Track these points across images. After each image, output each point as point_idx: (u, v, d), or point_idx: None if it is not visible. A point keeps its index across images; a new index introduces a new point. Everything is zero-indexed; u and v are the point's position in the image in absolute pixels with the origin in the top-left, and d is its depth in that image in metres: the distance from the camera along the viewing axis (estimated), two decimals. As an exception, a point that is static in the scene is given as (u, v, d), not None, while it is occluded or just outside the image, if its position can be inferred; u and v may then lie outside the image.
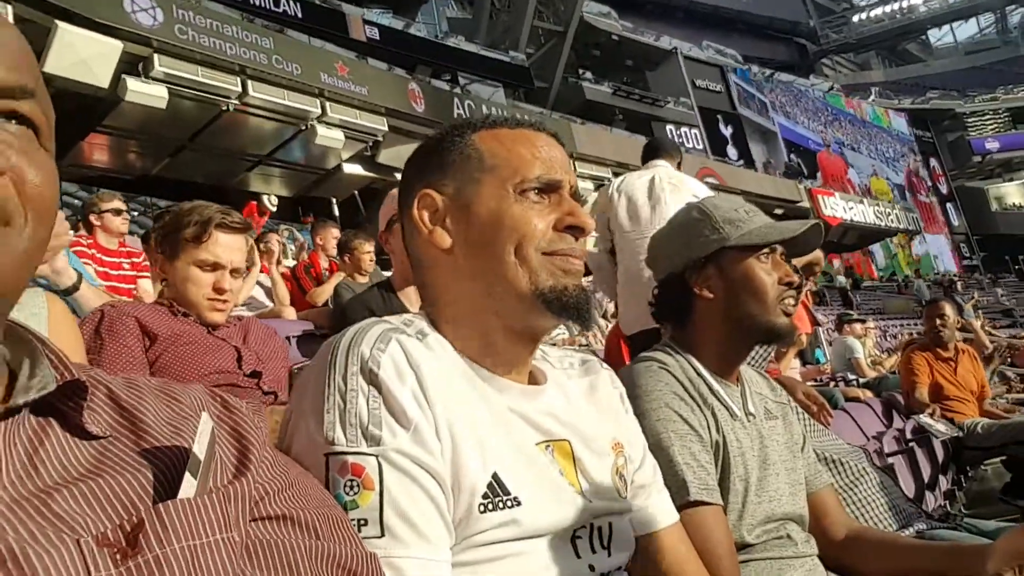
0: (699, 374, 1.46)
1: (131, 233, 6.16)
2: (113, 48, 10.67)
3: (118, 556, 0.55)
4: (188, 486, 0.61)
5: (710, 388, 1.45)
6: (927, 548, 1.46)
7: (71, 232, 4.03)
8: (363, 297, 2.44)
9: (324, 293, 5.58)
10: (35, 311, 1.72)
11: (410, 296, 2.36)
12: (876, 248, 34.10)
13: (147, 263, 4.82)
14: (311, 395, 0.88)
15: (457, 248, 0.99)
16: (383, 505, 0.81)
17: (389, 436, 0.83)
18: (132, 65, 11.09)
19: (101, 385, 0.70)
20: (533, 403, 1.00)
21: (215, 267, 2.07)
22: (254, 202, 8.89)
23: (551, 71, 22.40)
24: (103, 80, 10.67)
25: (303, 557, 0.68)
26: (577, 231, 1.00)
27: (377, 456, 0.82)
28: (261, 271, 5.81)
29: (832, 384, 6.89)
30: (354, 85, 13.60)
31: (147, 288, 4.43)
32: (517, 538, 0.89)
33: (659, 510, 1.14)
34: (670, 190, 3.38)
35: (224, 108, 12.18)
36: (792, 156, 30.71)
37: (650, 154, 3.81)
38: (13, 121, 0.60)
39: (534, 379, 1.06)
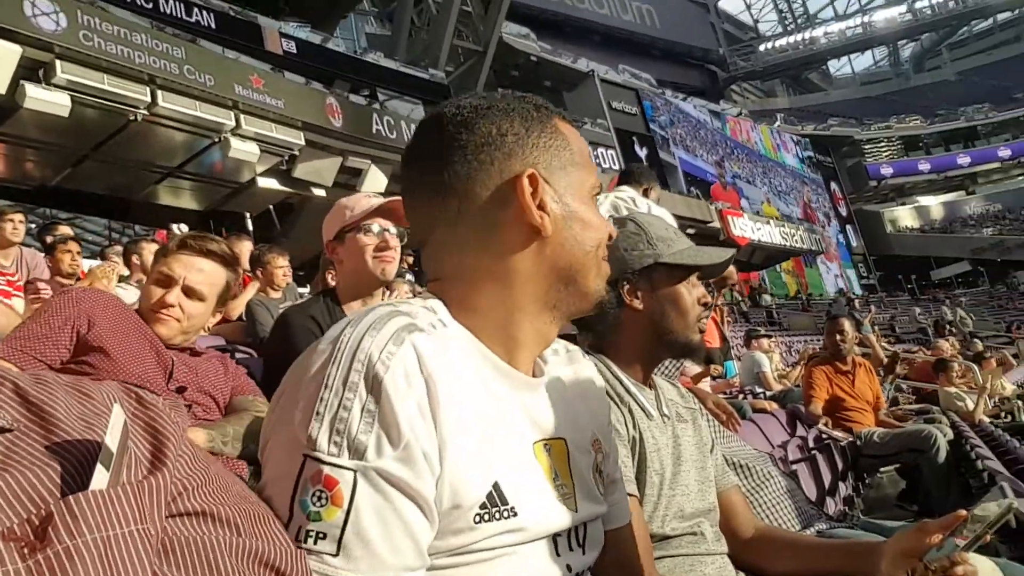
0: (616, 376, 1.54)
1: (27, 245, 5.89)
2: (11, 52, 10.21)
3: (26, 550, 0.52)
4: (100, 478, 0.59)
5: (627, 389, 1.53)
6: (828, 546, 1.55)
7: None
8: (305, 307, 2.38)
9: (237, 307, 5.42)
10: None
11: (354, 309, 2.34)
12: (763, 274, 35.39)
13: (20, 282, 4.62)
14: (306, 386, 0.83)
15: (554, 237, 0.96)
16: (346, 524, 0.77)
17: (374, 452, 0.79)
18: (32, 71, 10.62)
19: (7, 381, 0.66)
20: (534, 396, 0.98)
21: (167, 281, 2.12)
22: (164, 231, 8.66)
23: (470, 90, 22.55)
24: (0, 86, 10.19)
25: (223, 554, 0.65)
26: (609, 239, 1.02)
27: (355, 471, 0.78)
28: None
29: (741, 396, 7.12)
30: (270, 98, 13.36)
31: (18, 308, 4.21)
32: (508, 544, 0.87)
33: (625, 505, 1.15)
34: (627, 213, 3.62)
35: (132, 118, 11.76)
36: (692, 188, 31.66)
37: (620, 180, 4.21)
38: None
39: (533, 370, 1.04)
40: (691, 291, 1.57)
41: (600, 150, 26.30)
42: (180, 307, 2.12)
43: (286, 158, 14.05)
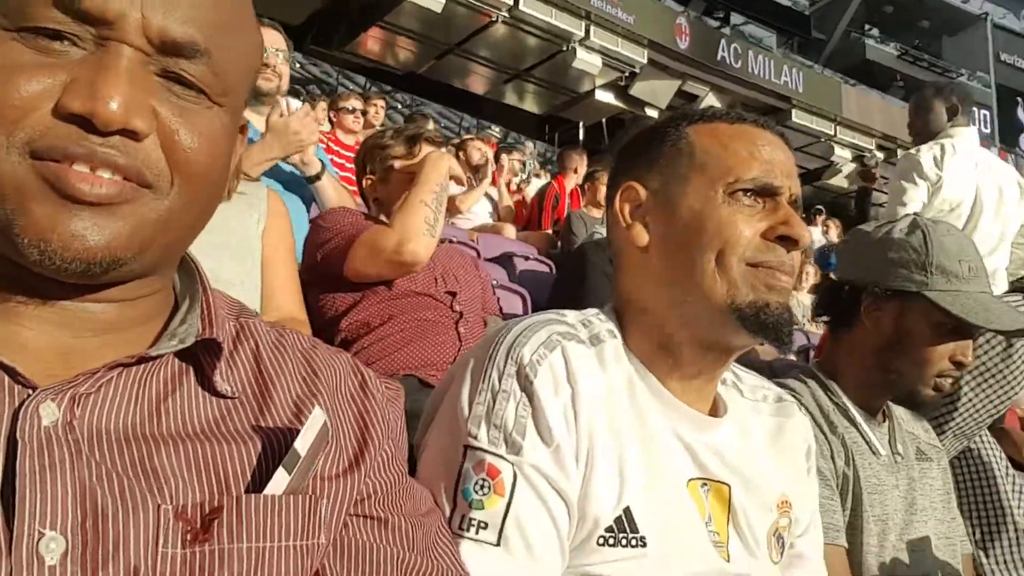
0: (836, 403, 1.36)
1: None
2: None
3: (188, 536, 0.55)
4: (278, 482, 0.60)
5: (850, 419, 1.34)
6: None
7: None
8: (605, 245, 2.44)
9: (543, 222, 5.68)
10: (255, 202, 1.93)
11: None
12: None
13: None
14: (469, 380, 0.88)
15: (653, 248, 0.94)
16: (507, 515, 0.80)
17: (530, 449, 0.82)
18: (417, -34, 11.65)
19: (251, 339, 0.70)
20: (702, 435, 0.93)
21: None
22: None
23: (833, 23, 20.69)
24: (392, -25, 11.36)
25: (393, 569, 0.67)
26: (789, 243, 0.90)
27: (514, 465, 0.82)
28: (492, 184, 6.04)
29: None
30: (621, 12, 13.37)
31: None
32: (631, 574, 0.84)
33: None
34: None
35: (493, 18, 12.52)
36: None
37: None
38: (177, 78, 0.58)
39: (715, 408, 0.99)
40: (947, 343, 1.31)
41: (972, 108, 22.98)
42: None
43: (626, 74, 14.11)
